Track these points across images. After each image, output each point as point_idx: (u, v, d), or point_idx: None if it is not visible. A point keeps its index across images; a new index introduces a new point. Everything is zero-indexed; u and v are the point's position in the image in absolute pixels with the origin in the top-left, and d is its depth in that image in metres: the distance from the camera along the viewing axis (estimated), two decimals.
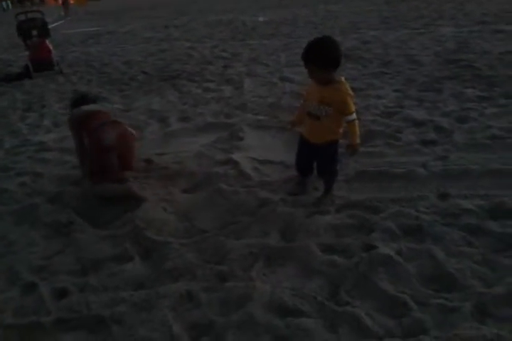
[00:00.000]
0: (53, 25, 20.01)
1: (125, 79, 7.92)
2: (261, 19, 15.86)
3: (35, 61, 8.71)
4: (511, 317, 2.05)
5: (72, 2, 31.48)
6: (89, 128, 3.52)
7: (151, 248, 2.81)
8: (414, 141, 4.08)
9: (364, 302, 2.22)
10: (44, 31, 9.04)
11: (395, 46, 8.55)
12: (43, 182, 3.86)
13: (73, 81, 8.24)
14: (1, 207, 3.49)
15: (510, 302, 2.12)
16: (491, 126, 4.23)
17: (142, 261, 2.71)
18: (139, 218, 3.07)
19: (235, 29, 13.69)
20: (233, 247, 2.72)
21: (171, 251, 2.73)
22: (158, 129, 5.10)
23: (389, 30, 10.63)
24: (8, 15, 17.58)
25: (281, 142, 4.33)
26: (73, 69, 9.38)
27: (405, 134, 4.25)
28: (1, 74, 9.06)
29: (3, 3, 52.30)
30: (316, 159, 3.19)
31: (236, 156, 3.96)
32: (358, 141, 2.93)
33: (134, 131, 3.83)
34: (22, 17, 9.12)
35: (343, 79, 2.92)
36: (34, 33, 8.90)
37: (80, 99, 3.90)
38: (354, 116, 2.89)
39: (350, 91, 2.89)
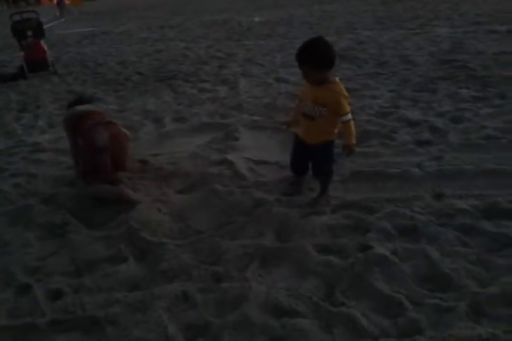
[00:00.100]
0: (48, 25, 19.95)
1: (120, 80, 7.91)
2: (256, 19, 15.87)
3: (30, 61, 8.68)
4: (506, 316, 2.05)
5: (67, 2, 31.31)
6: (83, 128, 3.51)
7: (145, 249, 2.80)
8: (409, 141, 4.09)
9: (359, 303, 2.22)
10: (39, 31, 9.01)
11: (390, 46, 8.57)
12: (37, 183, 3.85)
13: (68, 81, 8.21)
14: None
15: (505, 301, 2.12)
16: (485, 126, 4.24)
17: (137, 262, 2.71)
18: (133, 219, 3.06)
19: (231, 29, 13.69)
20: (228, 248, 2.72)
21: (166, 252, 2.72)
22: (153, 130, 5.09)
23: (384, 30, 10.65)
24: (3, 15, 17.54)
25: (276, 142, 4.33)
26: (68, 69, 9.36)
27: (400, 134, 4.26)
28: None
29: None
30: (312, 159, 3.19)
31: (231, 157, 3.96)
32: (354, 141, 2.93)
33: (127, 132, 3.82)
34: (17, 17, 9.09)
35: (337, 79, 2.93)
36: (29, 33, 8.88)
37: (76, 101, 3.89)
38: (349, 116, 2.89)
39: (345, 92, 2.89)
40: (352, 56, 8.00)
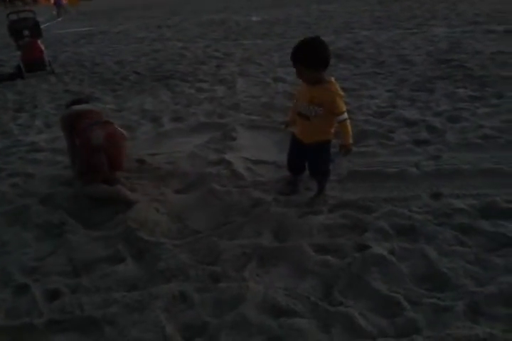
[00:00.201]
0: (45, 25, 19.91)
1: (117, 79, 7.89)
2: (254, 19, 15.87)
3: (27, 61, 8.65)
4: (504, 316, 2.06)
5: (65, 2, 31.19)
6: (79, 127, 3.50)
7: (143, 249, 2.80)
8: (406, 140, 4.10)
9: (357, 302, 2.22)
10: (36, 31, 8.97)
11: (388, 46, 8.58)
12: (34, 183, 3.83)
13: (65, 81, 8.19)
14: None
15: (503, 301, 2.13)
16: (482, 125, 4.25)
17: (135, 262, 2.70)
18: (131, 219, 3.05)
19: (228, 29, 13.69)
20: (226, 247, 2.72)
21: (163, 252, 2.72)
22: (151, 129, 5.08)
23: (382, 30, 10.67)
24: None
25: (274, 142, 4.32)
26: (65, 69, 9.33)
27: (398, 134, 4.27)
28: None
29: None
30: (308, 159, 3.19)
31: (229, 156, 3.96)
32: (350, 140, 2.94)
33: (124, 131, 3.81)
34: (14, 17, 9.05)
35: (332, 79, 2.93)
36: (26, 33, 8.84)
37: (74, 101, 3.89)
38: (345, 115, 2.89)
39: (340, 92, 2.89)
40: (350, 56, 8.01)
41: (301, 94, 3.02)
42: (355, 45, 8.93)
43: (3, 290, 2.54)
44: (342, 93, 2.90)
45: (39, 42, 8.93)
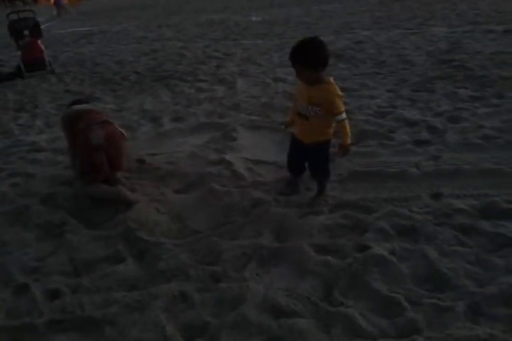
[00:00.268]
0: (45, 24, 19.90)
1: (117, 79, 7.89)
2: (254, 19, 15.85)
3: (28, 61, 8.66)
4: (504, 316, 2.06)
5: (65, 2, 31.18)
6: (79, 127, 3.50)
7: (143, 249, 2.80)
8: (407, 140, 4.10)
9: (358, 303, 2.22)
10: (36, 31, 8.97)
11: (388, 46, 8.57)
12: (35, 183, 3.84)
13: (66, 81, 8.19)
14: None
15: (503, 301, 2.13)
16: (483, 125, 4.25)
17: (135, 262, 2.70)
18: (131, 219, 3.05)
19: (228, 29, 13.68)
20: (226, 248, 2.72)
21: (163, 252, 2.72)
22: (151, 129, 5.08)
23: (382, 30, 10.66)
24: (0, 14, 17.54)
25: (274, 142, 4.32)
26: (66, 69, 9.33)
27: (398, 134, 4.27)
28: None
29: None
30: (308, 159, 3.19)
31: (229, 156, 3.96)
32: (349, 141, 2.94)
33: (124, 131, 3.81)
34: (14, 17, 9.05)
35: (331, 79, 2.92)
36: (26, 32, 8.84)
37: (74, 101, 3.90)
38: (344, 115, 2.89)
39: (339, 92, 2.89)
40: (350, 56, 8.00)
41: (300, 94, 3.02)
42: (355, 45, 8.92)
43: (4, 290, 2.54)
44: (341, 93, 2.90)
45: (39, 42, 8.94)
